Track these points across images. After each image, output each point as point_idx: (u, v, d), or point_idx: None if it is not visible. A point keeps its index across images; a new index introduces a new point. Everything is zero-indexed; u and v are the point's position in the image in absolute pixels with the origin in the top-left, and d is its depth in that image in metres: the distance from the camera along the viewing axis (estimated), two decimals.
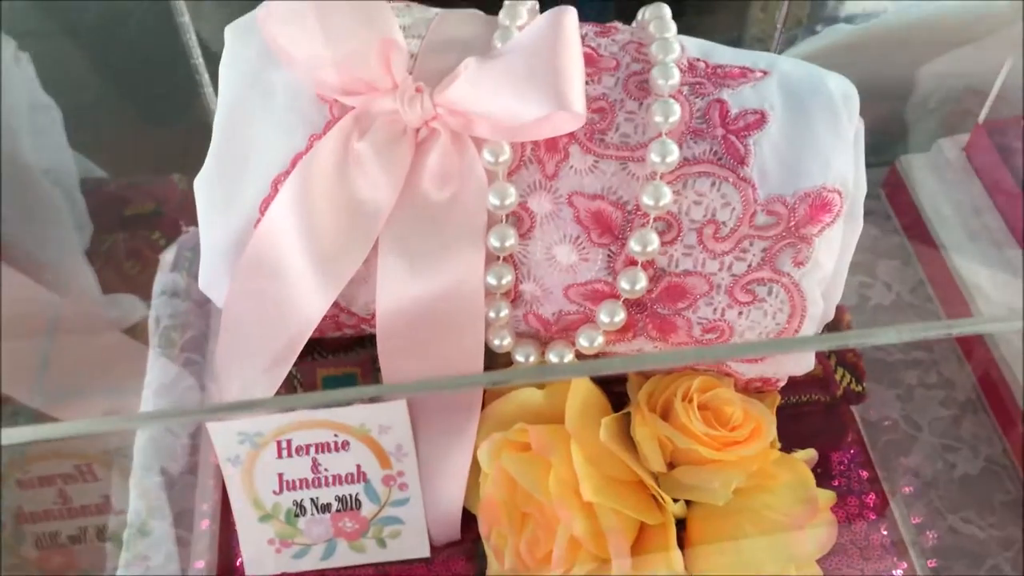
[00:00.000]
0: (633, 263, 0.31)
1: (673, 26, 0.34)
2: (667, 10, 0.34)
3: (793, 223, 0.31)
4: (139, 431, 0.44)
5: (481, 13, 0.35)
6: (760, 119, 0.32)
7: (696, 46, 0.34)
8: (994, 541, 0.52)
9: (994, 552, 0.52)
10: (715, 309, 0.32)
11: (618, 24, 0.35)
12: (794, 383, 0.39)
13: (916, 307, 0.62)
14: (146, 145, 0.57)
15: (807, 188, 0.31)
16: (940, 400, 0.58)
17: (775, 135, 0.32)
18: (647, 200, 0.31)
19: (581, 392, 0.34)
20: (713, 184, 0.31)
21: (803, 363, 0.34)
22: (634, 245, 0.31)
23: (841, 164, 0.32)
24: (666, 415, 0.34)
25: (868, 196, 0.72)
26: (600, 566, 0.33)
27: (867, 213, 0.74)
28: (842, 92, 0.33)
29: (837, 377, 0.40)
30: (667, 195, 0.31)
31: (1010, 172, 0.58)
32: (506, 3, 0.34)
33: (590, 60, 0.33)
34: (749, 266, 0.31)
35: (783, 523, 0.33)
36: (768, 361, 0.33)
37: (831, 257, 0.32)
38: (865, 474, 0.42)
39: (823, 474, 0.42)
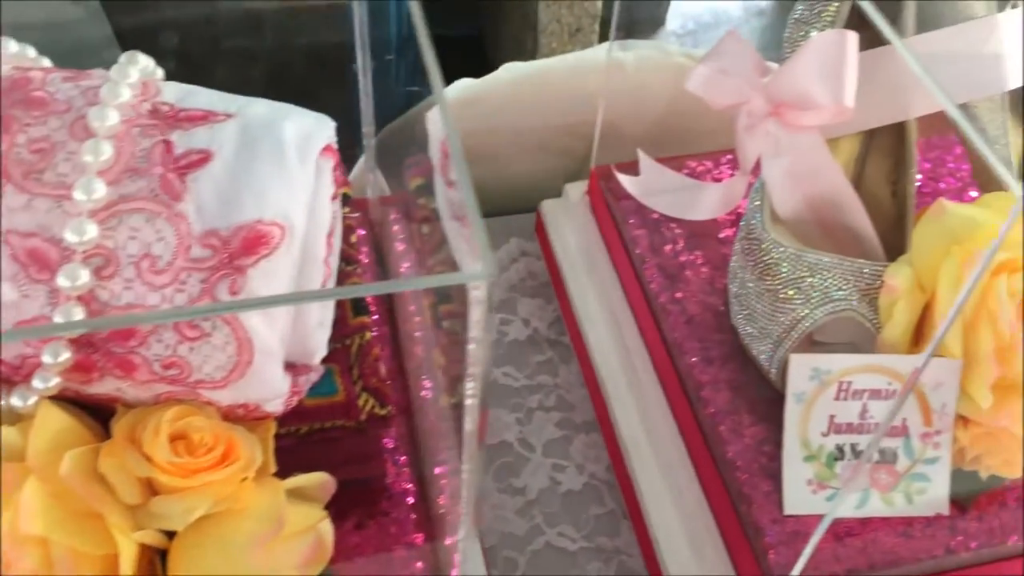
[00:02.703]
0: (69, 298, 0.32)
1: (133, 73, 0.35)
2: (140, 58, 0.36)
3: (227, 255, 0.33)
4: None
5: None
6: (204, 158, 0.34)
7: (175, 92, 0.36)
8: (583, 553, 0.56)
9: (581, 563, 0.55)
10: (166, 346, 0.33)
11: (94, 71, 0.36)
12: (316, 410, 0.41)
13: (551, 340, 0.66)
14: None
15: (241, 222, 0.33)
16: (556, 422, 0.62)
17: (218, 173, 0.34)
18: (70, 236, 0.32)
19: (51, 427, 0.34)
20: (147, 220, 0.33)
21: (268, 388, 0.36)
22: (63, 280, 0.32)
23: (283, 200, 0.34)
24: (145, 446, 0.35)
25: (527, 238, 0.75)
26: None
27: (523, 254, 0.77)
28: (298, 132, 0.35)
29: (360, 403, 0.42)
30: (91, 231, 0.32)
31: (611, 213, 0.63)
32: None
33: (41, 104, 0.34)
34: (190, 297, 0.33)
35: (244, 543, 0.34)
36: (230, 387, 0.35)
37: (271, 288, 0.34)
38: (411, 500, 0.44)
39: (366, 498, 0.44)
